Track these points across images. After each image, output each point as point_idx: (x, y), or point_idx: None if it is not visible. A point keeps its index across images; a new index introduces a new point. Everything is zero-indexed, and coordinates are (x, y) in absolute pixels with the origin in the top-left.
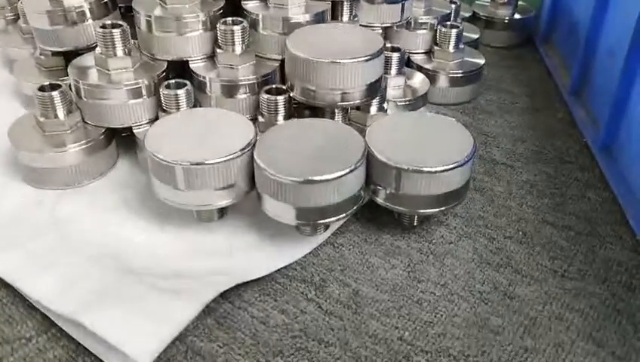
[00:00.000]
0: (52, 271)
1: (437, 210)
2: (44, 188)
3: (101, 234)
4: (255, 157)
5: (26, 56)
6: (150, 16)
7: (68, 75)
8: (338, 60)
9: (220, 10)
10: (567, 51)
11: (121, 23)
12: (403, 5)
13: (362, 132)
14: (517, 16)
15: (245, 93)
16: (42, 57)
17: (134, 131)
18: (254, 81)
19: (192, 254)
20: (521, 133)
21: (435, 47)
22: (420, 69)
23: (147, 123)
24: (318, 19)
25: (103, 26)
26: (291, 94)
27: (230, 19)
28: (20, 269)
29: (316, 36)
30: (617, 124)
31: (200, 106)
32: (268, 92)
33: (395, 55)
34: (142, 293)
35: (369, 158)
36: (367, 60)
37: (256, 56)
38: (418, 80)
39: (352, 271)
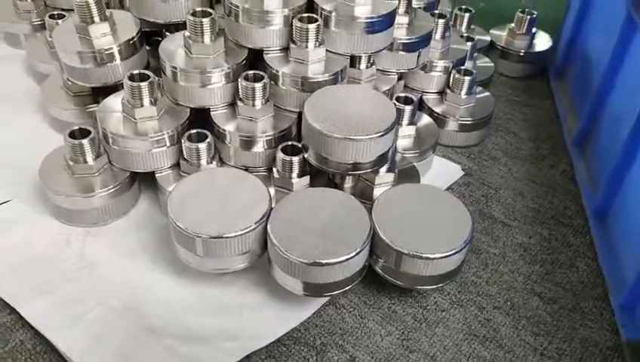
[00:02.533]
0: (80, 326)
1: (433, 286)
2: (71, 225)
3: (124, 283)
4: (269, 230)
5: (53, 71)
6: (175, 68)
7: (95, 103)
8: (352, 137)
9: (243, 60)
10: (577, 94)
11: (148, 74)
12: (420, 53)
13: (370, 189)
14: (533, 49)
15: (263, 147)
16: (70, 82)
17: (156, 176)
18: (272, 137)
19: (206, 311)
20: (522, 187)
21: (448, 90)
22: (431, 112)
23: (169, 168)
24: (337, 77)
25: (131, 78)
26: (305, 155)
27: (252, 73)
28: (50, 319)
29: (332, 103)
30: (615, 191)
31: (219, 154)
32: (284, 150)
33: (408, 108)
34: (161, 359)
35: (374, 234)
36: (380, 136)
37: (274, 106)
38: (428, 126)
39: (351, 335)
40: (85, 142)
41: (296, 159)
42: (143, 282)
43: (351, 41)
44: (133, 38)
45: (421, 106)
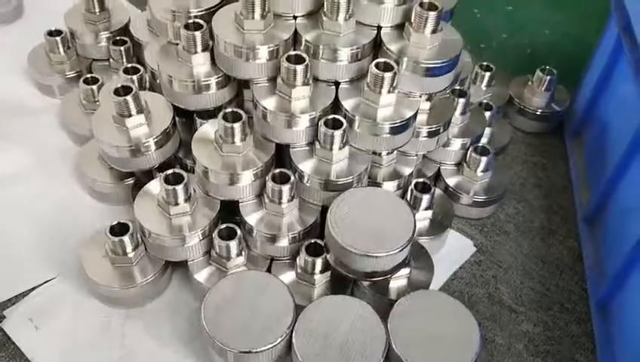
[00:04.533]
0: None
1: None
2: (111, 307)
3: None
4: (293, 344)
5: (91, 139)
6: (207, 168)
7: (130, 176)
8: (370, 254)
9: (271, 158)
10: (591, 161)
11: (183, 174)
12: (439, 137)
13: (386, 282)
14: (551, 108)
15: (288, 242)
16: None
17: (189, 264)
18: (296, 235)
19: None
20: (531, 266)
21: (464, 164)
22: (447, 187)
23: (201, 257)
24: (360, 177)
25: (167, 181)
26: (327, 256)
27: (278, 173)
28: None
29: (353, 212)
30: (620, 286)
31: (247, 242)
32: (307, 251)
33: (426, 197)
34: None
35: (389, 346)
36: (397, 252)
37: (300, 198)
38: (443, 205)
39: None
40: (126, 238)
41: (319, 260)
42: None
43: (374, 141)
44: (167, 127)
45: (437, 178)
